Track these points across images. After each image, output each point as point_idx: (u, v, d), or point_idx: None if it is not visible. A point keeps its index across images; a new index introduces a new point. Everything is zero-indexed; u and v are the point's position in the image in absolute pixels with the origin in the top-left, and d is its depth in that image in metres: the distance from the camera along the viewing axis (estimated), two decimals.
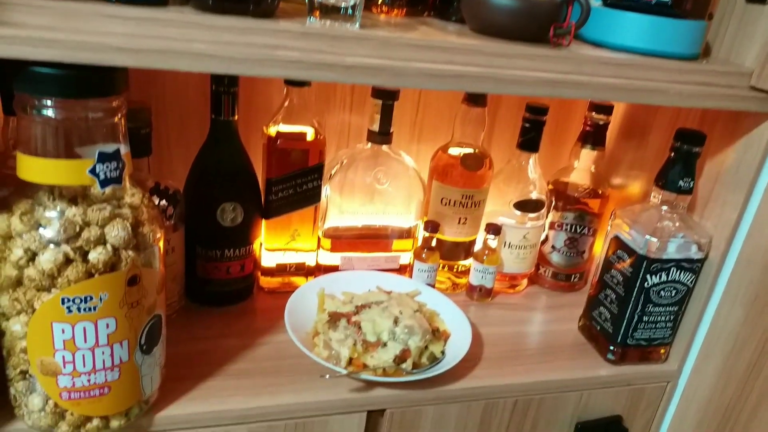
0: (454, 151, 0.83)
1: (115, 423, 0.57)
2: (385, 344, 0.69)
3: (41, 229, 0.48)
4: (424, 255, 0.83)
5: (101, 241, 0.50)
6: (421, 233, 0.84)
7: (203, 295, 0.78)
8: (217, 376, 0.66)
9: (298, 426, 0.65)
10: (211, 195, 0.72)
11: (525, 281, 0.94)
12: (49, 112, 0.46)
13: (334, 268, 0.84)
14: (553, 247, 0.92)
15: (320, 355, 0.68)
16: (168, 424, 0.61)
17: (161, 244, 0.56)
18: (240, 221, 0.74)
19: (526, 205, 0.85)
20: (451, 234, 0.86)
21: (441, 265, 0.87)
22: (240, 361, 0.69)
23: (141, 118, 0.65)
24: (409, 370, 0.68)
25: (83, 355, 0.52)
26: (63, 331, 0.50)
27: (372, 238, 0.84)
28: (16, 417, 0.56)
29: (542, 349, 0.80)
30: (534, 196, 0.86)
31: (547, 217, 0.90)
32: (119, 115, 0.50)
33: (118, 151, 0.50)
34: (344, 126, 0.89)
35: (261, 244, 0.80)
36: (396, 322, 0.70)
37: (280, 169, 0.75)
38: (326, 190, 0.80)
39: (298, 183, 0.76)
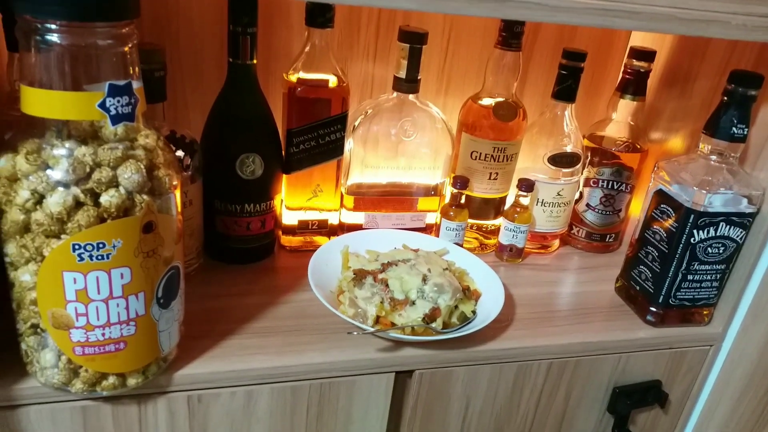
0: (486, 101, 0.78)
1: (132, 381, 0.54)
2: (413, 303, 0.65)
3: (49, 170, 0.44)
4: (452, 212, 0.79)
5: (113, 183, 0.46)
6: (449, 189, 0.80)
7: (223, 252, 0.74)
8: (238, 334, 0.63)
9: (324, 386, 0.62)
10: (229, 145, 0.68)
11: (557, 242, 0.89)
12: (53, 38, 0.42)
13: (357, 227, 0.80)
14: (587, 205, 0.87)
15: (346, 313, 0.64)
16: (187, 383, 0.58)
17: (178, 192, 0.53)
18: (260, 174, 0.70)
19: (560, 159, 0.81)
20: (480, 190, 0.81)
21: (469, 225, 0.83)
22: (262, 319, 0.66)
23: (154, 60, 0.60)
24: (439, 330, 0.64)
25: (97, 307, 0.48)
26: (75, 281, 0.46)
27: (397, 196, 0.80)
28: (29, 374, 0.53)
29: (577, 310, 0.76)
30: (569, 149, 0.81)
31: (582, 173, 0.85)
32: (130, 45, 0.46)
33: (129, 84, 0.46)
34: (367, 77, 0.84)
35: (282, 201, 0.76)
36: (424, 279, 0.66)
37: (301, 119, 0.71)
38: (349, 144, 0.75)
39: (320, 134, 0.72)
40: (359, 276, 0.68)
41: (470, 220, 0.83)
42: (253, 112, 0.69)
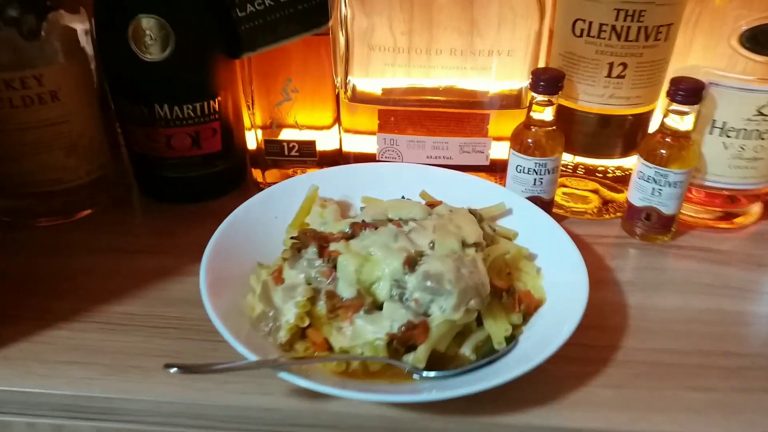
0: None
1: None
2: (379, 306, 0.32)
3: None
4: (528, 139, 0.42)
5: None
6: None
7: (143, 183, 0.48)
8: (59, 324, 0.36)
9: None
10: (120, 5, 0.40)
11: (757, 208, 0.47)
12: None
13: (368, 158, 0.48)
14: None
15: (253, 311, 0.34)
16: None
17: None
18: (171, 52, 0.41)
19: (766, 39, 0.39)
20: (592, 100, 0.43)
21: (573, 165, 0.46)
22: (124, 300, 0.38)
23: None
24: (419, 369, 0.31)
25: None
26: None
27: (435, 108, 0.45)
28: None
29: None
30: None
31: None
32: None
33: None
34: None
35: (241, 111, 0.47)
36: (411, 263, 0.32)
37: None
38: (343, 6, 0.43)
39: None
40: (302, 242, 0.36)
41: (574, 158, 0.46)
42: None
